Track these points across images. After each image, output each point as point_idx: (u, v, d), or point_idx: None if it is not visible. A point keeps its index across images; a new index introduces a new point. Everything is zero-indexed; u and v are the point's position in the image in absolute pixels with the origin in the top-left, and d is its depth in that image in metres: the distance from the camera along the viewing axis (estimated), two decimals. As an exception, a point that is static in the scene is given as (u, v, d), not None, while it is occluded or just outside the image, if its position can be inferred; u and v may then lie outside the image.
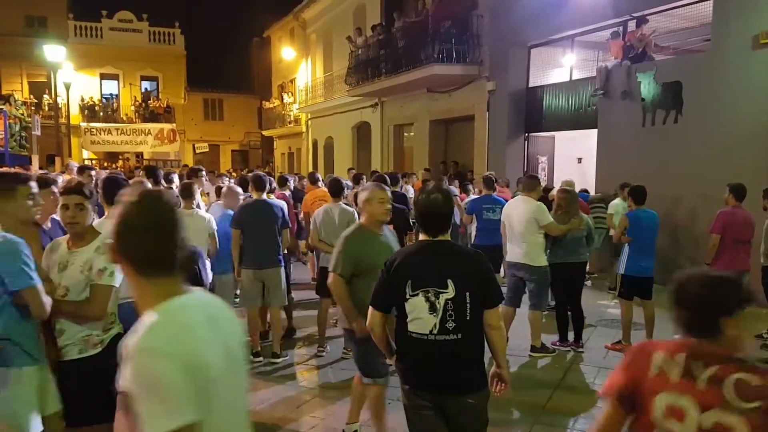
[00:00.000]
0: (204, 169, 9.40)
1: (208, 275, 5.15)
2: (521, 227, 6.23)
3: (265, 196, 6.40)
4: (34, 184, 3.28)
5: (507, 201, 8.25)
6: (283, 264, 6.25)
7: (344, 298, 3.84)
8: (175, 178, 8.33)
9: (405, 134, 19.38)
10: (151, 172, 7.86)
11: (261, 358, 6.07)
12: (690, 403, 1.83)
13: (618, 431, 1.96)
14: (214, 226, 5.87)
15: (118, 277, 3.13)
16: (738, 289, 1.97)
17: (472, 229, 8.00)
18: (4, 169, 3.99)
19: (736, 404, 1.79)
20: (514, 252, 6.36)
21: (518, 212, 6.30)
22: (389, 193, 4.05)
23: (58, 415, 3.11)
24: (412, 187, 12.03)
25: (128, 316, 3.81)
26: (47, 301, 2.98)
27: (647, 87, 10.14)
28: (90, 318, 3.15)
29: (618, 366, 2.02)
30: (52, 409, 3.08)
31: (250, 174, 8.61)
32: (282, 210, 6.30)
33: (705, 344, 1.90)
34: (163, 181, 7.61)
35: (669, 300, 2.00)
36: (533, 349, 6.34)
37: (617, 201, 8.88)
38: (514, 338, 6.38)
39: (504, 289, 4.13)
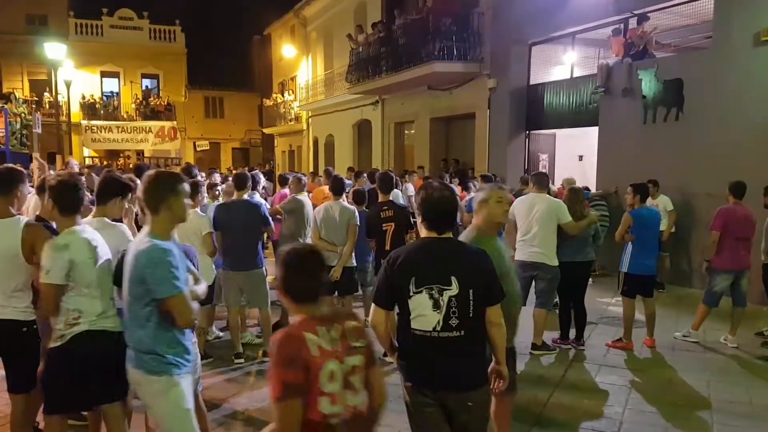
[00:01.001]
0: (196, 167, 9.32)
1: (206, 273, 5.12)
2: (539, 225, 6.12)
3: (247, 195, 6.35)
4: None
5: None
6: (263, 265, 6.12)
7: None
8: None
9: (406, 132, 19.37)
10: (139, 171, 7.83)
11: (242, 360, 5.95)
12: (336, 363, 2.25)
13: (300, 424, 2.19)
14: (211, 228, 5.84)
15: (55, 275, 3.21)
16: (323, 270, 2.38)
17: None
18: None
19: (356, 345, 2.32)
20: (527, 251, 6.21)
21: (538, 210, 6.16)
22: (509, 194, 3.79)
23: None
24: (413, 185, 12.03)
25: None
26: (195, 308, 3.04)
27: (648, 84, 10.13)
28: (48, 315, 3.38)
29: (281, 365, 2.17)
30: None
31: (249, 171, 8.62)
32: (264, 209, 6.26)
33: (319, 311, 2.33)
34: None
35: (280, 275, 2.34)
36: (534, 347, 6.32)
37: (664, 198, 9.00)
38: (527, 338, 6.41)
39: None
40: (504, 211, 3.66)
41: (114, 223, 3.91)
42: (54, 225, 3.75)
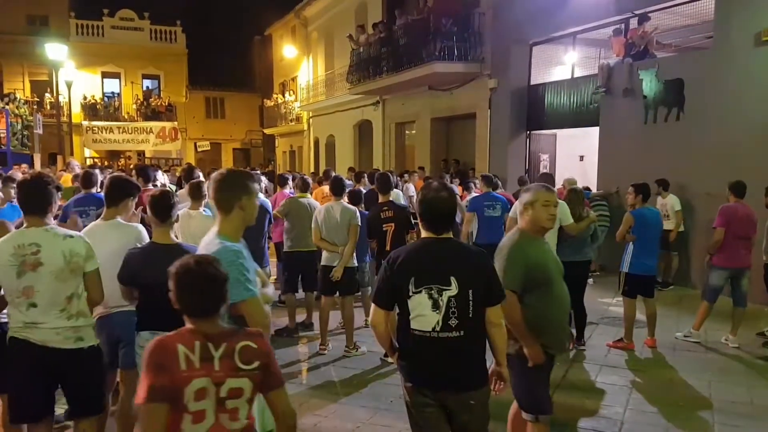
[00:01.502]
0: (197, 168, 9.36)
1: None
2: None
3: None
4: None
5: (506, 199, 8.28)
6: (268, 264, 6.16)
7: (519, 318, 3.27)
8: (160, 176, 8.34)
9: (406, 132, 19.37)
10: (143, 171, 7.89)
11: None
12: (209, 383, 2.13)
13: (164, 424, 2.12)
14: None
15: None
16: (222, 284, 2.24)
17: (474, 228, 7.99)
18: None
19: (243, 368, 2.18)
20: None
21: None
22: (556, 196, 3.56)
23: None
24: (413, 185, 12.03)
25: (120, 325, 3.82)
26: (268, 311, 2.92)
27: (649, 84, 10.13)
28: None
29: (150, 370, 2.11)
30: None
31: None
32: (268, 209, 6.27)
33: (209, 326, 2.21)
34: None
35: (173, 289, 2.24)
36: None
37: (673, 197, 9.06)
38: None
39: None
40: (550, 215, 3.42)
41: (128, 223, 3.93)
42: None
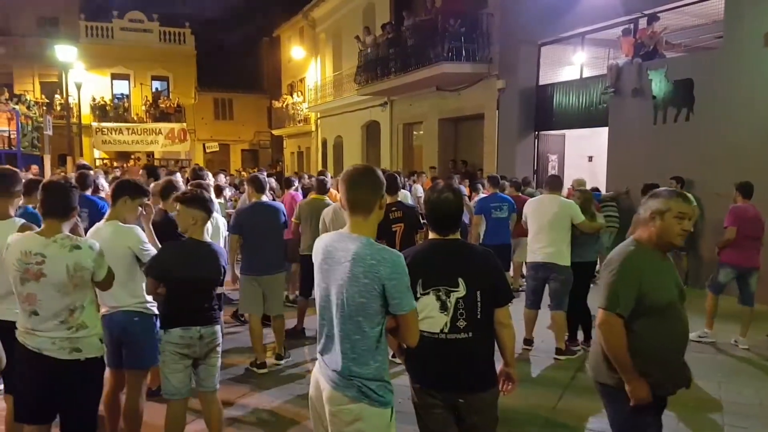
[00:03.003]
0: (205, 169, 9.36)
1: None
2: (552, 226, 6.09)
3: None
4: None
5: (513, 200, 8.28)
6: (285, 269, 6.04)
7: (622, 347, 2.79)
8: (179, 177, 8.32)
9: (414, 133, 19.38)
10: (151, 172, 7.90)
11: (265, 370, 5.78)
12: None
13: None
14: (226, 230, 5.87)
15: None
16: None
17: (482, 229, 7.99)
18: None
19: None
20: (540, 252, 6.17)
21: (550, 211, 6.13)
22: (696, 207, 2.98)
23: None
24: (421, 185, 12.03)
25: (120, 324, 3.84)
26: None
27: (658, 85, 10.08)
28: None
29: None
30: None
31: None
32: (283, 212, 6.13)
33: None
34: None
35: None
36: (558, 351, 6.23)
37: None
38: (537, 339, 6.49)
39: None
40: (683, 230, 2.86)
41: (128, 225, 3.95)
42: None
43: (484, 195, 8.62)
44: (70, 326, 3.17)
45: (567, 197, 7.23)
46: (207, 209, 3.83)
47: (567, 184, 10.62)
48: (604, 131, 11.68)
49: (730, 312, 6.81)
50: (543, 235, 6.16)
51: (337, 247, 2.52)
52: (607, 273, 2.89)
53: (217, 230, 5.57)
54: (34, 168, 15.28)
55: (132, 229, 3.93)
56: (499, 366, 2.99)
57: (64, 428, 3.26)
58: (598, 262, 7.42)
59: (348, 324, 2.46)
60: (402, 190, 8.44)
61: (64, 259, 3.11)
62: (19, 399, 3.29)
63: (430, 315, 2.79)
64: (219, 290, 4.00)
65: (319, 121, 26.39)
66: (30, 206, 4.50)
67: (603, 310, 2.86)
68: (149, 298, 3.91)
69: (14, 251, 3.17)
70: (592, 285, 6.52)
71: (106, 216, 4.07)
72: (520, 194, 9.05)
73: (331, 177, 9.20)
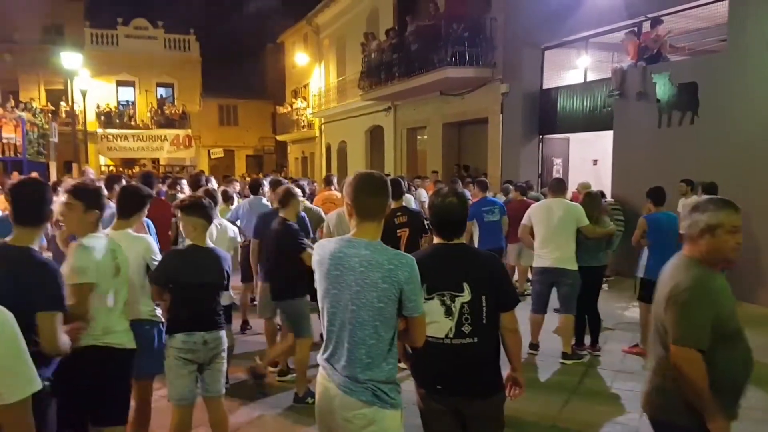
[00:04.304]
0: (204, 174, 9.34)
1: None
2: (559, 230, 6.06)
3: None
4: None
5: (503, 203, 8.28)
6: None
7: (705, 384, 2.44)
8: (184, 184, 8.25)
9: (418, 137, 19.40)
10: (147, 179, 7.62)
11: (270, 370, 5.72)
12: None
13: None
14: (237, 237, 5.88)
15: (91, 273, 3.09)
16: None
17: (475, 234, 8.01)
18: None
19: None
20: (547, 257, 6.13)
21: (555, 215, 6.11)
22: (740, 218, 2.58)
23: None
24: (425, 190, 12.02)
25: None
26: None
27: (663, 88, 10.06)
28: (76, 318, 3.03)
29: None
30: None
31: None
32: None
33: None
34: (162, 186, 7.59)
35: None
36: (565, 356, 6.20)
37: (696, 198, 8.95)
38: (542, 344, 6.46)
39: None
40: (737, 244, 2.54)
41: (140, 235, 3.93)
42: None
43: (473, 201, 8.57)
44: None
45: (572, 200, 7.22)
46: (206, 216, 3.82)
47: (572, 188, 10.61)
48: (608, 135, 11.66)
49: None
50: (550, 239, 6.13)
51: (347, 254, 2.51)
52: (678, 304, 2.53)
53: (224, 235, 5.56)
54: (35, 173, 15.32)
55: (144, 238, 3.92)
56: (505, 371, 2.98)
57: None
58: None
59: (364, 329, 2.46)
60: (406, 195, 8.43)
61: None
62: None
63: (435, 320, 2.77)
64: (227, 299, 4.00)
65: (323, 126, 26.44)
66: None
67: (680, 346, 2.49)
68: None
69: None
70: (603, 288, 6.51)
71: (113, 224, 3.92)
72: (524, 198, 9.02)
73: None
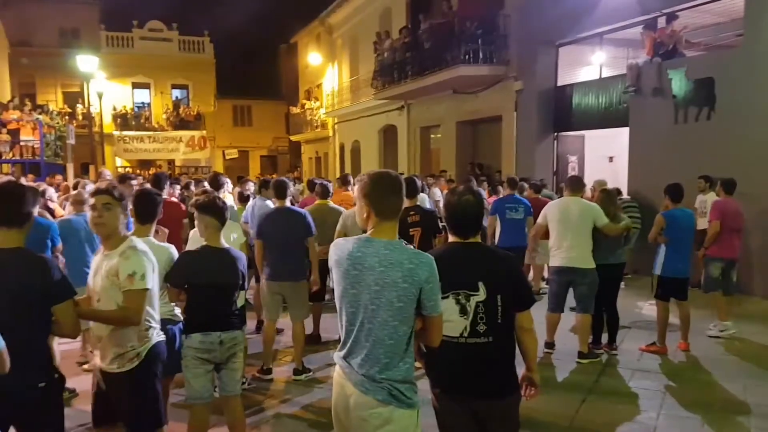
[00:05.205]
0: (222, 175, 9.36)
1: None
2: (575, 229, 6.01)
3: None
4: None
5: (529, 203, 8.21)
6: (306, 276, 5.91)
7: None
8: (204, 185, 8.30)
9: (432, 136, 19.36)
10: (157, 180, 7.47)
11: (271, 376, 5.74)
12: None
13: None
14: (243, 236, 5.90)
15: (150, 279, 3.13)
16: None
17: (497, 230, 7.96)
18: None
19: None
20: (563, 256, 6.07)
21: (573, 213, 6.05)
22: None
23: None
24: (439, 189, 12.00)
25: None
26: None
27: (678, 84, 9.98)
28: (126, 325, 3.09)
29: None
30: None
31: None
32: (306, 218, 5.98)
33: None
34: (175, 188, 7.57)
35: None
36: (581, 355, 6.15)
37: (714, 196, 8.90)
38: (559, 343, 6.44)
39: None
40: None
41: (163, 245, 3.91)
42: None
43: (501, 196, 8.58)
44: None
45: (590, 199, 7.17)
46: (219, 216, 3.83)
47: (588, 185, 10.54)
48: (624, 131, 11.57)
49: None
50: (566, 238, 6.07)
51: (366, 253, 2.51)
52: None
53: (238, 236, 5.60)
54: (58, 177, 15.50)
55: (167, 248, 3.88)
56: (520, 371, 2.97)
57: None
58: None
59: (383, 329, 2.47)
60: (420, 194, 8.41)
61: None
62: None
63: (450, 319, 2.76)
64: (241, 299, 4.01)
65: (336, 126, 26.49)
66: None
67: None
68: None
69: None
70: (622, 286, 6.45)
71: (133, 230, 3.75)
72: (539, 196, 8.99)
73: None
